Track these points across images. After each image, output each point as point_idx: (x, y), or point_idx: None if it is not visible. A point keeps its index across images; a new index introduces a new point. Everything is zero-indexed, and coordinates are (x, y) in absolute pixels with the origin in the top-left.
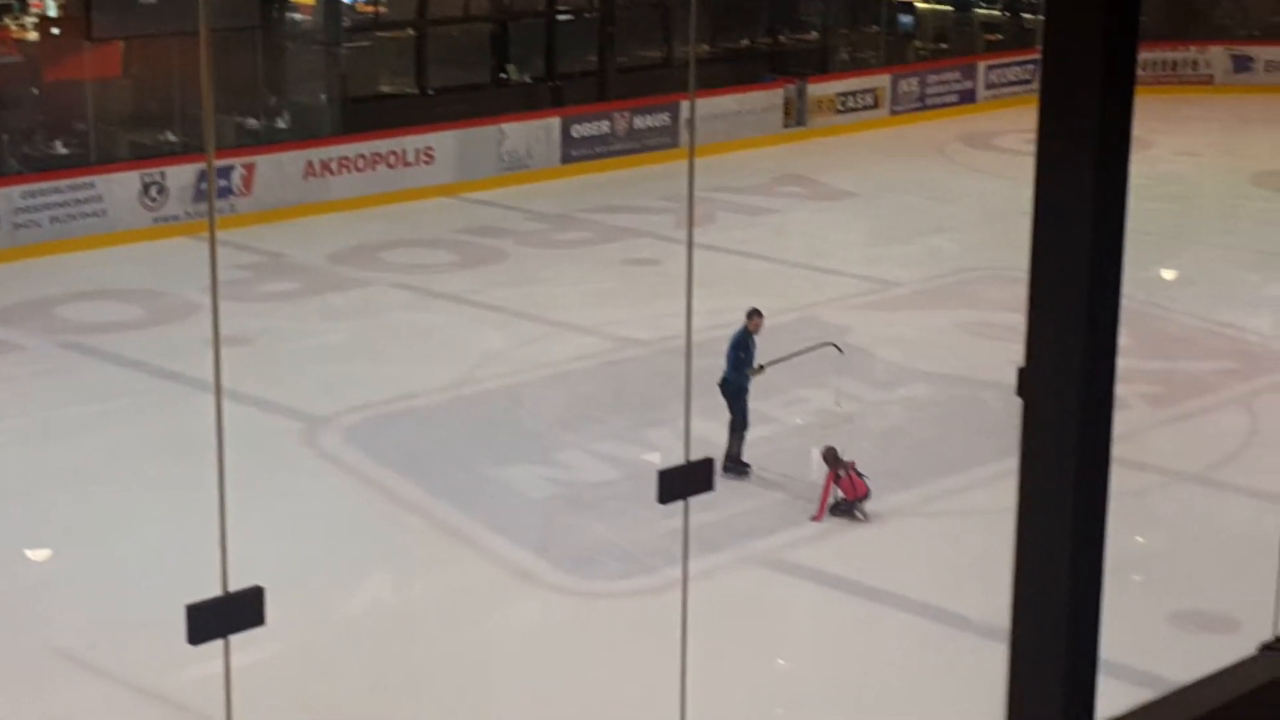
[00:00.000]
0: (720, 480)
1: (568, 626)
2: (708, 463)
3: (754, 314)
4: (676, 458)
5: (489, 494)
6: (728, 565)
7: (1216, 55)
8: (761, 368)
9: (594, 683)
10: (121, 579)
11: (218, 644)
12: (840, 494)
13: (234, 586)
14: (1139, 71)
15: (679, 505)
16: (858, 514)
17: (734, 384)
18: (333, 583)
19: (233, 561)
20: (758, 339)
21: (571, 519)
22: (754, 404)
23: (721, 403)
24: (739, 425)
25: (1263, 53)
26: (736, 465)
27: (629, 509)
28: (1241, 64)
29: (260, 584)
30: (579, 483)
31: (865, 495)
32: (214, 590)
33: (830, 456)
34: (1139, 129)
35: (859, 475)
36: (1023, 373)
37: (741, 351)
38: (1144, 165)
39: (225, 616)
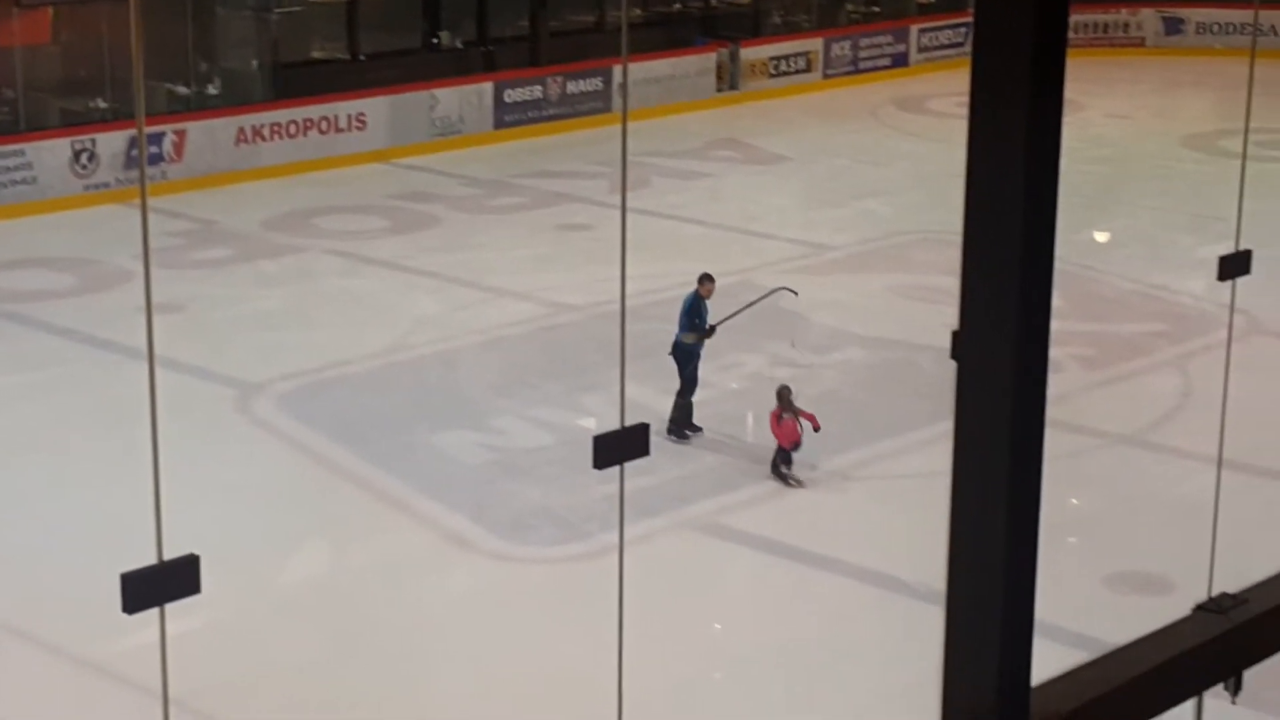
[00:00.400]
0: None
1: (503, 592)
2: (643, 428)
3: (705, 279)
4: (612, 423)
5: (423, 460)
6: (664, 530)
7: (1147, 18)
8: (713, 329)
9: (530, 648)
10: (55, 548)
11: (153, 613)
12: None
13: (169, 555)
14: (1070, 34)
15: (614, 471)
16: (791, 480)
17: (685, 349)
18: (268, 550)
19: (167, 529)
20: (709, 304)
21: (506, 485)
22: None
23: (657, 367)
24: (688, 390)
25: (1193, 15)
26: (687, 427)
27: (564, 475)
28: (1172, 26)
29: (195, 552)
30: (514, 449)
31: (795, 445)
32: (149, 559)
33: (782, 396)
34: (1071, 92)
35: (800, 423)
36: (957, 336)
37: (695, 317)
38: (1076, 128)
39: (160, 585)
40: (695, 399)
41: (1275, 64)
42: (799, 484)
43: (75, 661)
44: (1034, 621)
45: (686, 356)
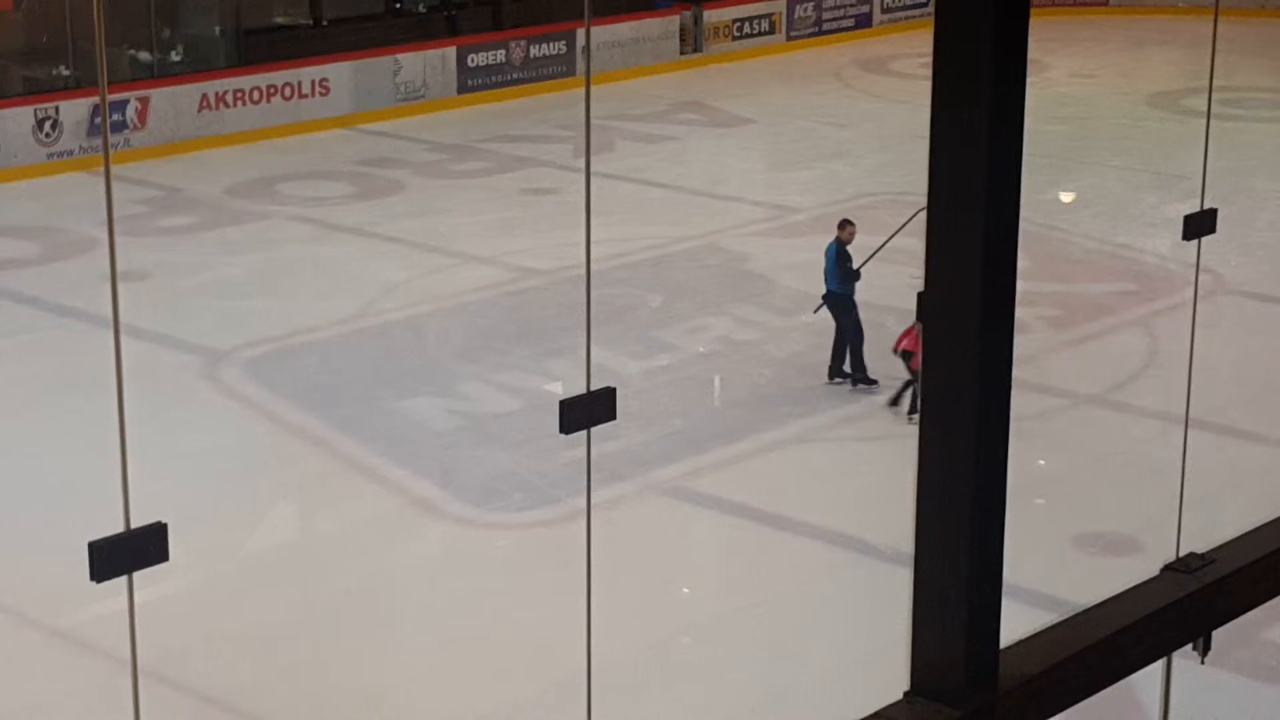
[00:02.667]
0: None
1: (471, 557)
2: (610, 392)
3: (845, 224)
4: (578, 387)
5: (391, 426)
6: (631, 495)
7: None
8: (858, 272)
9: (498, 613)
10: (22, 516)
11: (121, 581)
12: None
13: (136, 523)
14: None
15: (582, 435)
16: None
17: (840, 298)
18: (235, 517)
19: (134, 497)
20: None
21: (474, 450)
22: (655, 333)
23: (624, 331)
24: (858, 338)
25: None
26: (864, 380)
27: (531, 439)
28: None
29: (163, 519)
30: (481, 414)
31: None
32: (116, 527)
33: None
34: (1034, 51)
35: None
36: (923, 296)
37: (846, 262)
38: (1040, 88)
39: (129, 553)
40: (654, 365)
41: (1239, 22)
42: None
43: (44, 630)
44: (1002, 583)
45: (845, 305)
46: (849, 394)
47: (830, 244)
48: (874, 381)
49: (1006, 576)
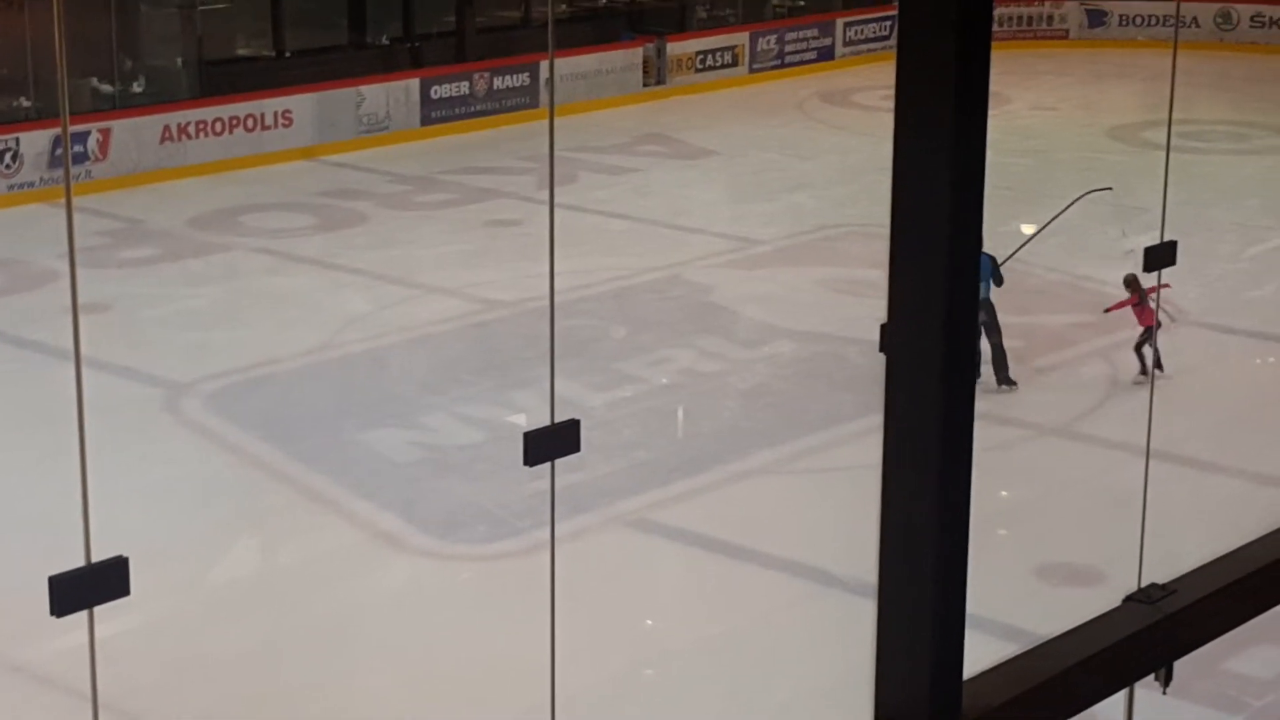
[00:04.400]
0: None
1: (435, 590)
2: (574, 424)
3: None
4: (542, 419)
5: (354, 458)
6: (595, 526)
7: (1071, 10)
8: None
9: (462, 645)
10: None
11: (81, 615)
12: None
13: (97, 556)
14: (995, 27)
15: (545, 467)
16: (1156, 367)
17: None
18: (197, 550)
19: (95, 531)
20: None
21: (437, 482)
22: (619, 365)
23: (588, 363)
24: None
25: (1116, 7)
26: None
27: (495, 471)
28: (1096, 19)
29: (124, 553)
30: (444, 446)
31: (1154, 326)
32: (77, 560)
33: (1132, 282)
34: (996, 85)
35: (1153, 308)
36: (885, 329)
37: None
38: (1002, 120)
39: (89, 587)
40: (618, 396)
41: (1197, 55)
42: (1157, 369)
43: (3, 664)
44: (965, 614)
45: (988, 310)
46: (811, 425)
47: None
48: (1013, 383)
49: (970, 608)
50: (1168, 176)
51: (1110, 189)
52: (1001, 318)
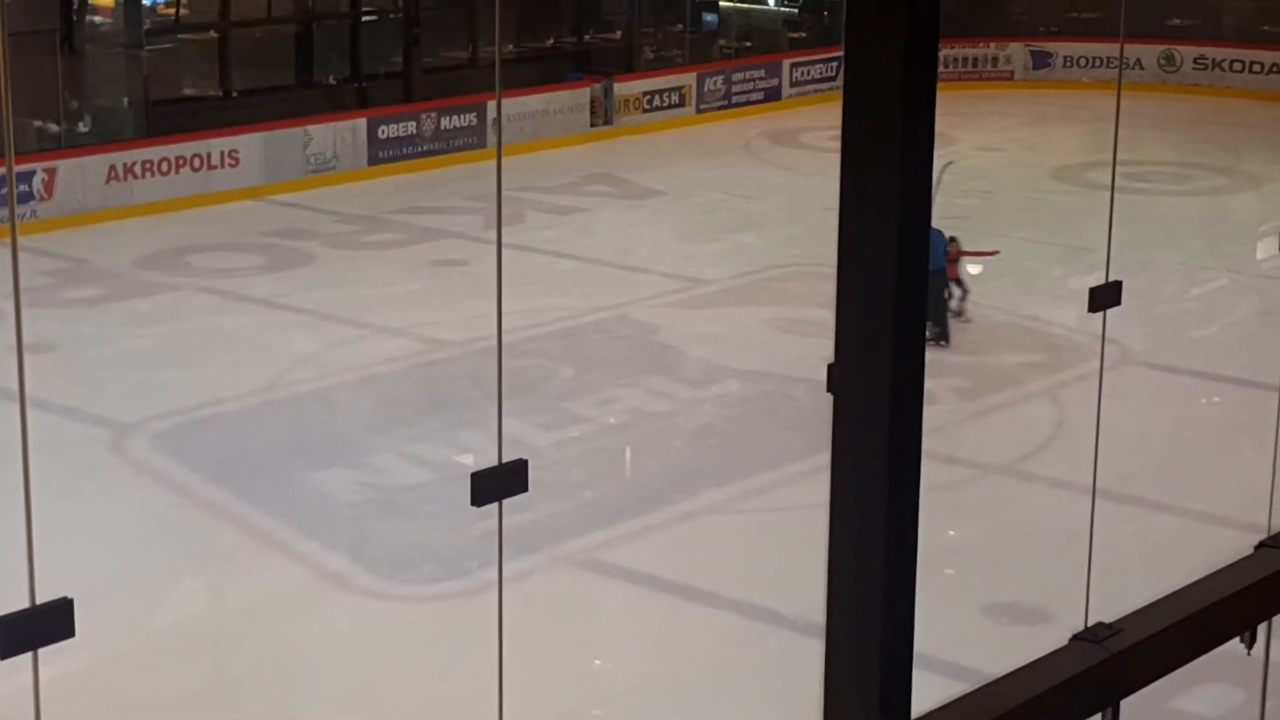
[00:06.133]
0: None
1: (382, 631)
2: (522, 464)
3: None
4: (490, 459)
5: (300, 498)
6: (543, 566)
7: (1016, 51)
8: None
9: (410, 687)
10: None
11: (26, 657)
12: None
13: (42, 598)
14: (940, 68)
15: (493, 507)
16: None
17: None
18: (143, 592)
19: (40, 572)
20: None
21: (384, 522)
22: (566, 404)
23: (536, 402)
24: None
25: (1061, 48)
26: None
27: (443, 511)
28: (1040, 60)
29: (69, 594)
30: (392, 486)
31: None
32: (21, 602)
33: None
34: (941, 125)
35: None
36: (832, 369)
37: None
38: (947, 160)
39: (34, 629)
40: (565, 435)
41: (1141, 97)
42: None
43: None
44: (913, 652)
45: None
46: (758, 465)
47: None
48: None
49: (918, 646)
50: (1112, 217)
51: (951, 163)
52: (949, 357)
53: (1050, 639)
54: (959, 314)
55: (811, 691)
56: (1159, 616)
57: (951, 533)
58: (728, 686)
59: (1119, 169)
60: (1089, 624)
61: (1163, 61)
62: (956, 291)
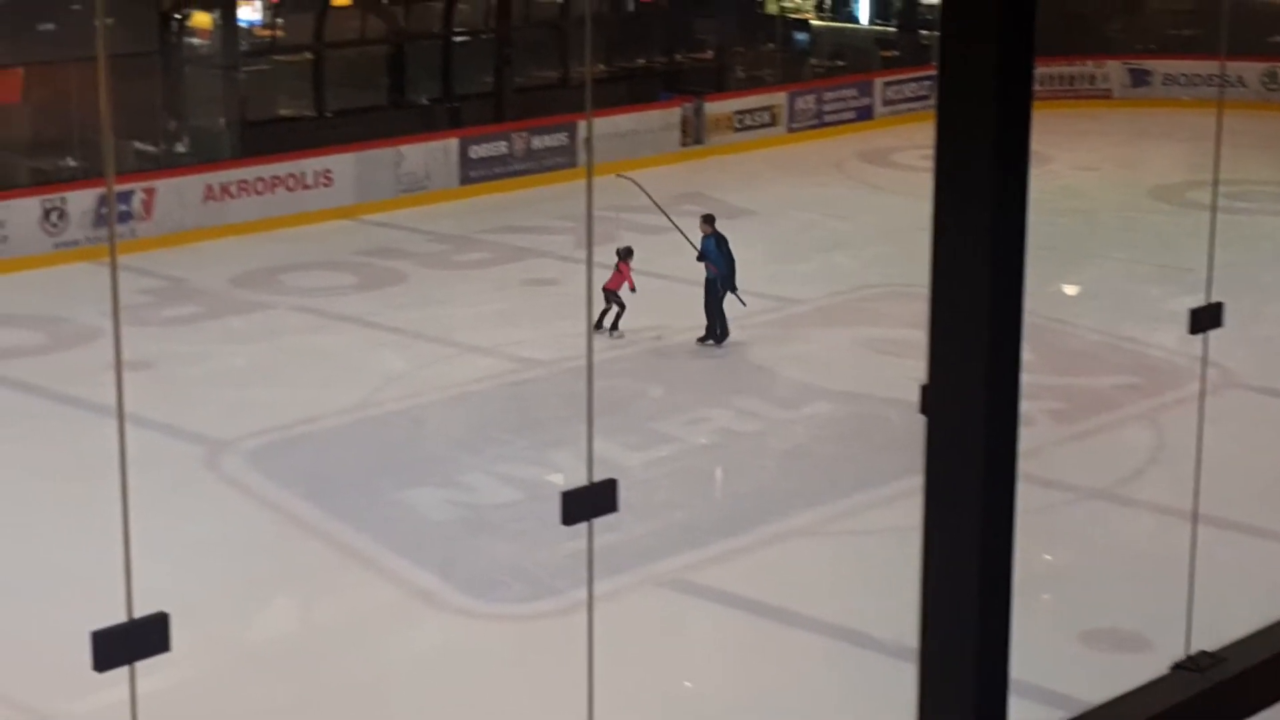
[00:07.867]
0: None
1: (471, 649)
2: (611, 483)
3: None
4: (579, 478)
5: (391, 517)
6: (632, 587)
7: (1114, 69)
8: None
9: (498, 706)
10: (24, 605)
11: (122, 670)
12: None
13: (139, 612)
14: (1036, 86)
15: (582, 527)
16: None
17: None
18: (236, 607)
19: (136, 586)
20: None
21: (474, 541)
22: (656, 424)
23: (625, 422)
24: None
25: (1160, 66)
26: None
27: (532, 530)
28: (1139, 78)
29: (165, 609)
30: (481, 504)
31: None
32: (118, 616)
33: (625, 254)
34: (1037, 144)
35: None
36: (925, 390)
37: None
38: (1043, 180)
39: (130, 643)
40: (654, 455)
41: (1242, 115)
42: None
43: (44, 719)
44: (1009, 680)
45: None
46: (850, 487)
47: (709, 238)
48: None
49: (1013, 673)
50: (1214, 237)
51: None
52: (1045, 379)
53: (1150, 667)
54: (613, 329)
55: (903, 715)
56: (1263, 646)
57: (1048, 557)
58: (817, 709)
59: (1220, 188)
60: (1190, 652)
61: (1266, 79)
62: (614, 308)
